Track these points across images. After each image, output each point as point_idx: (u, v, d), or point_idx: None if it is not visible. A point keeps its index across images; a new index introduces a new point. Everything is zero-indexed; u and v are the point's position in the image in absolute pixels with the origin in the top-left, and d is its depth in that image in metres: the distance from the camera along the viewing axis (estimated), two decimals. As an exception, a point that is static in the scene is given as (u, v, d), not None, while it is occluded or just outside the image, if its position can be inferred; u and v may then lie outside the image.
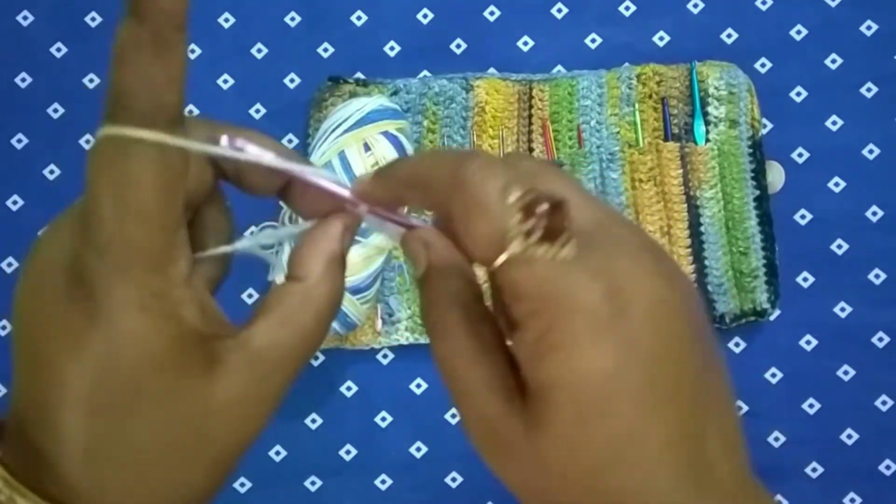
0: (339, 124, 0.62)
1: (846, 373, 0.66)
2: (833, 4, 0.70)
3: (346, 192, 0.27)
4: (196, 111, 0.69)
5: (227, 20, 0.71)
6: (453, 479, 0.66)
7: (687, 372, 0.23)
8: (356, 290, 0.60)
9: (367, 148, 0.61)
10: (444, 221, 0.26)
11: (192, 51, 0.70)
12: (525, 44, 0.71)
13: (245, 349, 0.25)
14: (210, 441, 0.25)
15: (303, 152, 0.65)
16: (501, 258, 0.23)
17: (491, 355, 0.25)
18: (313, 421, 0.67)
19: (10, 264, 0.69)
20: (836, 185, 0.68)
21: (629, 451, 0.23)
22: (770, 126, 0.69)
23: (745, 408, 0.66)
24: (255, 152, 0.25)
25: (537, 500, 0.24)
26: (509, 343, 0.25)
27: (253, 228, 0.66)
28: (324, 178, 0.27)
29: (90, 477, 0.24)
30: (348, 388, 0.67)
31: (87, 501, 0.24)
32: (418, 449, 0.67)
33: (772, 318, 0.66)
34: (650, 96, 0.68)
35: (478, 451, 0.26)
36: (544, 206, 0.22)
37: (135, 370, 0.23)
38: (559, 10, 0.71)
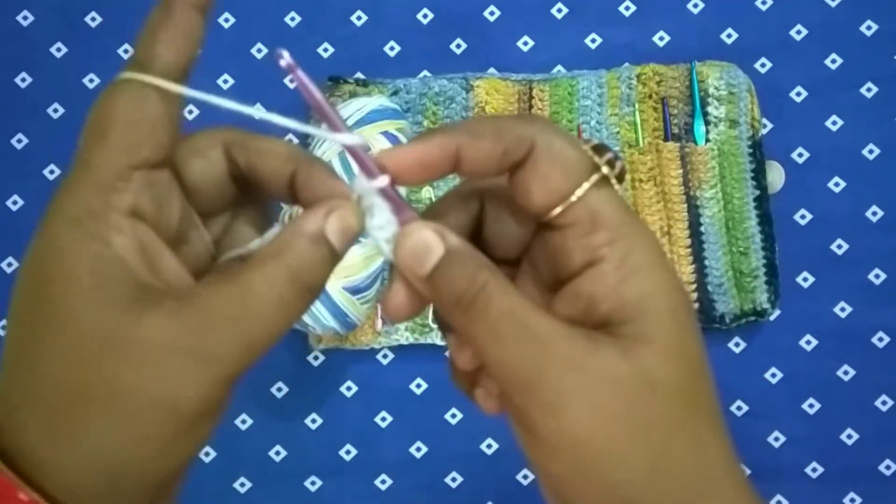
0: (339, 124, 0.62)
1: (846, 373, 0.66)
2: (833, 4, 0.70)
3: (370, 164, 0.26)
4: (196, 111, 0.69)
5: (227, 20, 0.71)
6: (453, 479, 0.66)
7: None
8: (356, 290, 0.60)
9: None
10: (497, 173, 0.26)
11: (192, 51, 0.71)
12: (525, 44, 0.71)
13: (181, 299, 0.24)
14: (120, 392, 0.23)
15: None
16: (592, 179, 0.26)
17: (546, 311, 0.25)
18: (313, 421, 0.67)
19: (10, 264, 0.69)
20: (836, 185, 0.68)
21: (704, 366, 0.26)
22: (770, 126, 0.69)
23: (745, 408, 0.66)
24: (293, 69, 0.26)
25: (586, 451, 0.25)
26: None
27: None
28: (350, 142, 0.26)
29: (8, 411, 0.24)
30: (348, 388, 0.67)
31: (6, 441, 0.23)
32: (418, 449, 0.67)
33: (772, 318, 0.66)
34: (650, 96, 0.68)
35: (534, 401, 0.25)
36: (612, 151, 0.26)
37: (53, 283, 0.23)
38: (559, 10, 0.71)
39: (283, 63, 0.26)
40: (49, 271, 0.23)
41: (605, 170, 0.26)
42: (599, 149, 0.26)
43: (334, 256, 0.26)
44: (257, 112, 0.26)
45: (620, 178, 0.26)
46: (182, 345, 0.23)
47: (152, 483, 0.25)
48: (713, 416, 0.26)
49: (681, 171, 0.67)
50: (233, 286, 0.24)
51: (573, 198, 0.25)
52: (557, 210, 0.26)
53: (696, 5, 0.70)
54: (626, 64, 0.69)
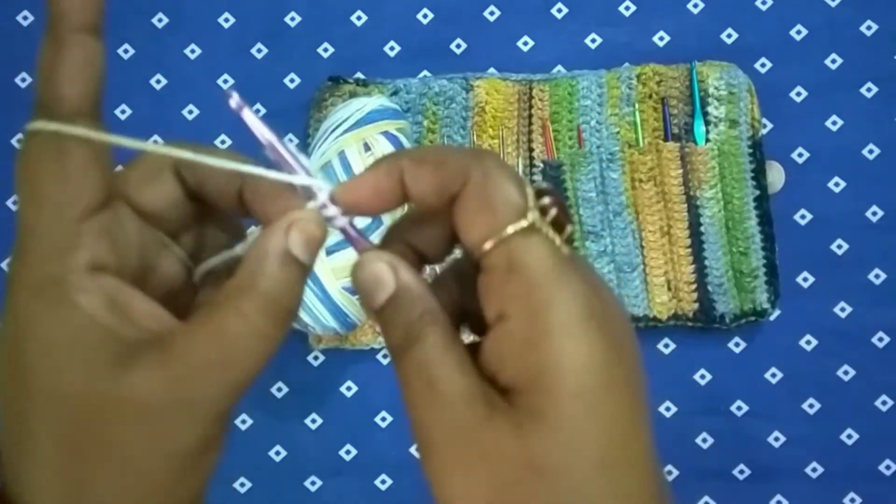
0: (339, 124, 0.62)
1: (846, 373, 0.66)
2: (833, 4, 0.70)
3: (316, 187, 0.25)
4: (196, 111, 0.70)
5: (227, 20, 0.71)
6: (453, 479, 0.66)
7: (643, 392, 0.25)
8: (356, 290, 0.60)
9: (367, 148, 0.61)
10: (437, 203, 0.25)
11: (192, 51, 0.70)
12: (525, 44, 0.71)
13: (160, 348, 0.23)
14: (115, 446, 0.23)
15: (303, 152, 0.65)
16: (517, 225, 0.23)
17: (468, 366, 0.24)
18: (313, 421, 0.67)
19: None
20: (836, 185, 0.68)
21: (625, 448, 0.23)
22: (770, 126, 0.69)
23: (746, 408, 0.66)
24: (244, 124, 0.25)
25: None
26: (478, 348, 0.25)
27: (253, 228, 0.66)
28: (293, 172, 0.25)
29: (12, 472, 0.24)
30: (348, 388, 0.67)
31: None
32: (418, 449, 0.67)
33: (772, 318, 0.66)
34: (650, 96, 0.68)
35: (428, 462, 0.25)
36: (556, 198, 0.24)
37: (29, 356, 0.23)
38: (559, 10, 0.71)
39: (232, 103, 0.25)
40: (23, 346, 0.23)
41: (530, 216, 0.23)
42: (542, 192, 0.24)
43: (305, 271, 0.25)
44: (198, 157, 0.25)
45: (559, 228, 0.24)
46: (169, 395, 0.23)
47: None
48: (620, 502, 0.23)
49: (681, 171, 0.67)
50: (209, 328, 0.24)
51: (487, 244, 0.24)
52: (479, 251, 0.24)
53: (696, 5, 0.70)
54: (626, 64, 0.69)
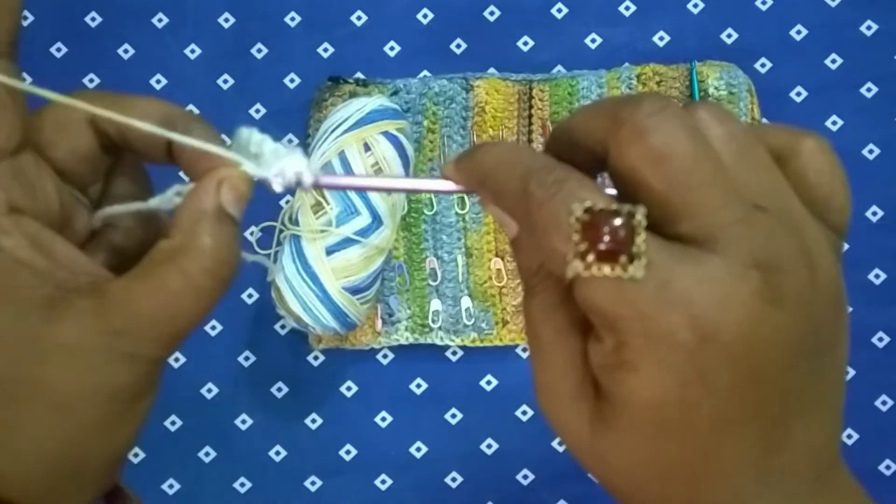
0: (339, 124, 0.62)
1: (846, 373, 0.66)
2: (833, 4, 0.70)
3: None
4: (196, 111, 0.69)
5: (227, 20, 0.71)
6: (453, 479, 0.66)
7: (775, 390, 0.22)
8: (356, 290, 0.60)
9: (367, 148, 0.61)
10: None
11: (193, 51, 0.71)
12: (525, 44, 0.71)
13: (96, 297, 0.23)
14: (46, 386, 0.23)
15: (303, 152, 0.65)
16: (567, 275, 0.21)
17: (574, 339, 0.24)
18: (313, 421, 0.67)
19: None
20: (836, 185, 0.68)
21: (696, 472, 0.23)
22: (770, 126, 0.69)
23: (745, 408, 0.66)
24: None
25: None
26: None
27: (253, 228, 0.66)
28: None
29: None
30: (348, 388, 0.67)
31: None
32: (418, 449, 0.67)
33: (772, 318, 0.66)
34: (650, 96, 0.68)
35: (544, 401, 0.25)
36: (610, 222, 0.21)
37: None
38: (559, 10, 0.71)
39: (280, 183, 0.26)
40: None
41: (570, 273, 0.21)
42: (594, 221, 0.21)
43: (238, 228, 0.25)
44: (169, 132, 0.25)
45: (616, 254, 0.21)
46: (104, 343, 0.23)
47: (98, 467, 0.25)
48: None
49: (681, 171, 0.66)
50: (150, 285, 0.24)
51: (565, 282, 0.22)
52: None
53: (696, 5, 0.70)
54: (626, 64, 0.69)
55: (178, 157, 0.26)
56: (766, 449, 0.23)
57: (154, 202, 0.27)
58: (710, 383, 0.21)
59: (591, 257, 0.21)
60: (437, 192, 0.26)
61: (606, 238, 0.21)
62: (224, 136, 0.27)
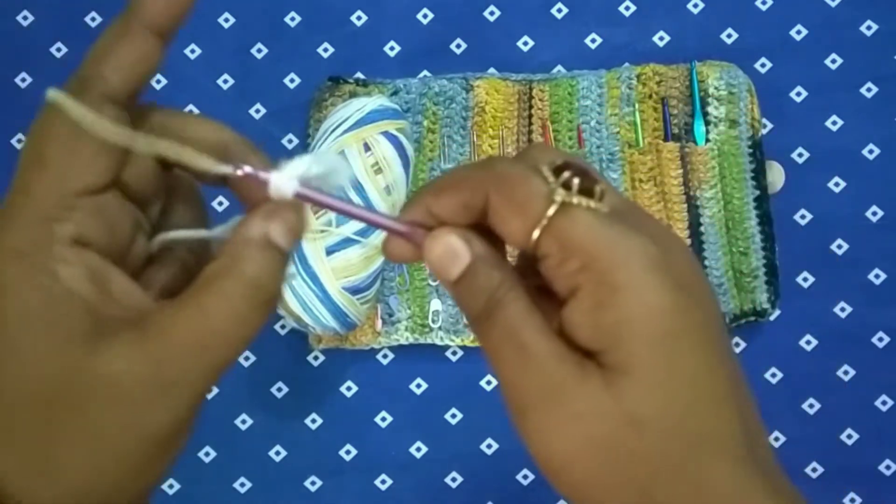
0: (339, 124, 0.62)
1: (846, 373, 0.66)
2: (833, 4, 0.70)
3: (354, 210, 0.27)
4: (196, 111, 0.69)
5: (227, 20, 0.71)
6: (453, 479, 0.66)
7: (719, 329, 0.25)
8: (356, 290, 0.60)
9: (367, 148, 0.61)
10: (472, 220, 0.26)
11: (193, 51, 0.70)
12: (525, 44, 0.71)
13: (139, 328, 0.23)
14: (86, 419, 0.23)
15: (303, 152, 0.65)
16: (550, 210, 0.24)
17: (551, 331, 0.25)
18: (313, 421, 0.67)
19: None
20: (836, 185, 0.68)
21: (707, 390, 0.24)
22: (770, 126, 0.69)
23: (745, 408, 0.66)
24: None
25: (582, 468, 0.24)
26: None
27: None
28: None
29: None
30: (348, 388, 0.67)
31: None
32: (418, 449, 0.67)
33: (772, 318, 0.66)
34: (650, 96, 0.68)
35: (523, 424, 0.25)
36: (575, 167, 0.25)
37: (6, 320, 0.23)
38: (559, 10, 0.71)
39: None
40: (2, 306, 0.23)
41: (557, 197, 0.24)
42: (560, 168, 0.25)
43: (286, 258, 0.25)
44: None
45: (588, 192, 0.24)
46: (146, 375, 0.23)
47: (128, 501, 0.25)
48: (725, 446, 0.24)
49: (681, 171, 0.67)
50: (190, 311, 0.24)
51: (533, 239, 0.24)
52: (529, 248, 0.25)
53: (696, 5, 0.70)
54: (626, 64, 0.69)
55: (233, 184, 0.26)
56: (742, 397, 0.26)
57: (216, 231, 0.27)
58: (687, 291, 0.24)
59: (574, 187, 0.24)
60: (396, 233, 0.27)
61: (576, 181, 0.24)
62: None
